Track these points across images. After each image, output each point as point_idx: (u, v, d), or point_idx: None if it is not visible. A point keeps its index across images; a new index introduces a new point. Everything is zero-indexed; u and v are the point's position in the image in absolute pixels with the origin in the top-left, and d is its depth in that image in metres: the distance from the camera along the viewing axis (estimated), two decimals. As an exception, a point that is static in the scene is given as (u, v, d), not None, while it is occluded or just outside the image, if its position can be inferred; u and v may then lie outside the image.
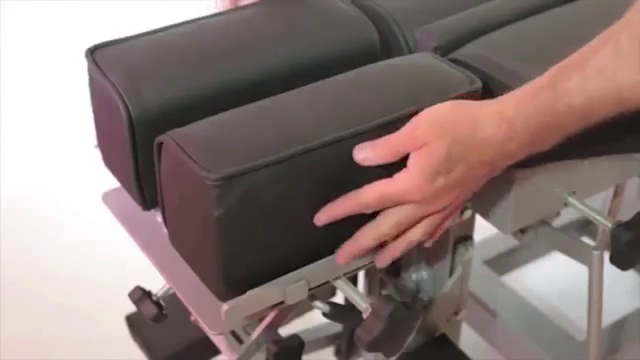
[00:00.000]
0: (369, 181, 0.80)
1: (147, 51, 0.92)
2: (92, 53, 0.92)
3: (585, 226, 1.73)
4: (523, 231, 1.10)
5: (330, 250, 0.84)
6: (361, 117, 0.81)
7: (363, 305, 0.83)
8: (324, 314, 0.90)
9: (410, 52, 0.99)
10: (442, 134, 0.77)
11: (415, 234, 0.82)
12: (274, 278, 0.82)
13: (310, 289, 0.85)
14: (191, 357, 1.49)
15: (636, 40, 0.74)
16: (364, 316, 0.82)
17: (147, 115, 0.85)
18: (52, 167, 2.24)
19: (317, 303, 0.89)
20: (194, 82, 0.88)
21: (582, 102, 0.76)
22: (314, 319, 1.29)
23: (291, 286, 0.83)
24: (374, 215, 0.82)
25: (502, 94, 0.89)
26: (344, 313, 0.91)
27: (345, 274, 0.87)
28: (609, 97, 0.75)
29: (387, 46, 1.00)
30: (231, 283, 0.81)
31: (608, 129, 0.95)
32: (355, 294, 0.85)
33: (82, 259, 1.92)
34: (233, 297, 0.81)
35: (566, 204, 1.01)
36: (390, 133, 0.81)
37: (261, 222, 0.78)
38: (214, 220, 0.76)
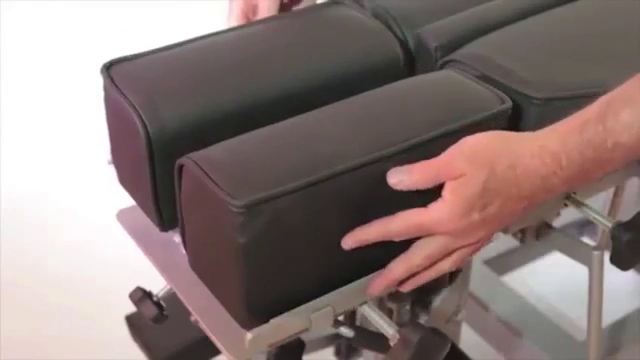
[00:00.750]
0: (398, 208, 0.78)
1: (164, 67, 0.89)
2: (108, 69, 0.88)
3: (585, 226, 1.73)
4: (523, 231, 1.10)
5: (355, 276, 0.82)
6: (389, 139, 0.79)
7: (390, 332, 0.81)
8: (349, 339, 0.89)
9: (410, 52, 0.99)
10: (480, 166, 0.75)
11: (445, 265, 0.80)
12: (299, 305, 0.79)
13: (335, 315, 0.82)
14: (191, 357, 1.49)
15: None
16: (391, 343, 0.81)
17: (165, 133, 0.83)
18: (52, 167, 2.24)
19: (342, 329, 0.88)
20: (213, 99, 0.86)
21: (631, 138, 0.73)
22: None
23: (316, 313, 0.80)
24: (401, 241, 0.80)
25: (502, 94, 0.89)
26: (370, 338, 0.89)
27: (371, 299, 0.85)
28: None
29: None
30: (255, 311, 0.78)
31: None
32: (382, 320, 0.83)
33: (82, 259, 1.92)
34: (256, 325, 0.78)
35: (566, 204, 1.01)
36: (420, 155, 0.78)
37: (287, 248, 0.76)
38: (238, 247, 0.74)
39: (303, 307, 0.80)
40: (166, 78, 0.87)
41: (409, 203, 0.78)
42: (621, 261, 0.98)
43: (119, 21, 2.81)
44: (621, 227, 0.97)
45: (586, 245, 1.13)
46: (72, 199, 2.11)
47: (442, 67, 0.97)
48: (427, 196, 0.77)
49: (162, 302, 1.03)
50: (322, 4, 1.03)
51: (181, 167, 0.79)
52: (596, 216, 1.00)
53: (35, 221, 2.06)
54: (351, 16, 0.99)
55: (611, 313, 1.40)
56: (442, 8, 1.03)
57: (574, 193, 1.00)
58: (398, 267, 0.80)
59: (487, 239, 0.80)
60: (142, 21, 2.79)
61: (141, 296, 1.02)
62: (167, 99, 0.84)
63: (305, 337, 1.05)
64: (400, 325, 0.82)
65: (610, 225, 0.98)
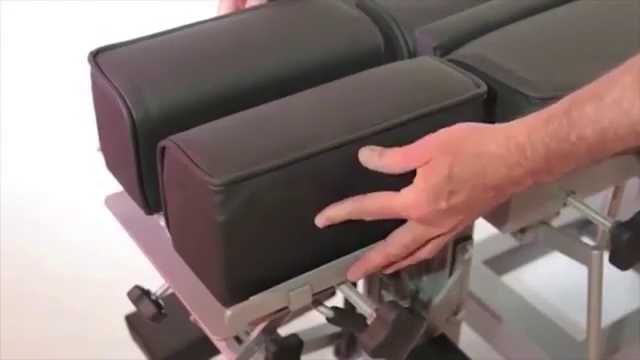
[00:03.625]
0: (372, 189, 0.80)
1: (149, 55, 0.92)
2: (95, 57, 0.91)
3: (585, 226, 1.73)
4: (523, 231, 1.11)
5: (334, 255, 0.84)
6: (364, 121, 0.81)
7: (368, 310, 0.83)
8: (328, 319, 0.90)
9: (410, 52, 1.00)
10: (446, 151, 0.77)
11: (422, 254, 0.83)
12: (278, 283, 0.82)
13: (314, 294, 0.84)
14: (191, 357, 1.49)
15: None
16: (368, 321, 0.82)
17: (150, 118, 0.85)
18: (53, 167, 2.24)
19: (321, 308, 0.89)
20: (196, 86, 0.88)
21: (595, 133, 0.74)
22: (314, 319, 1.29)
23: (295, 291, 0.82)
24: (378, 224, 0.82)
25: (502, 94, 0.89)
26: (348, 318, 0.90)
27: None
28: (623, 130, 0.73)
29: (387, 46, 1.00)
30: (234, 289, 0.80)
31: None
32: (360, 299, 0.85)
33: (83, 259, 1.92)
34: (236, 303, 0.80)
35: (566, 204, 1.01)
36: (394, 137, 0.80)
37: (265, 227, 0.78)
38: (217, 225, 0.76)
39: (281, 285, 0.82)
40: (151, 65, 0.90)
41: (385, 186, 0.80)
42: (620, 261, 0.99)
43: (119, 21, 2.81)
44: (621, 227, 0.97)
45: (585, 245, 1.13)
46: (73, 199, 2.11)
47: (442, 67, 0.97)
48: (403, 180, 0.79)
49: (160, 301, 1.03)
50: None
51: (163, 149, 0.82)
52: (595, 216, 1.00)
53: (36, 221, 2.06)
54: (335, 6, 1.00)
55: (611, 313, 1.40)
56: (442, 8, 1.03)
57: (574, 193, 1.01)
58: (376, 256, 0.83)
59: (458, 228, 0.82)
60: (142, 21, 2.79)
61: (139, 295, 1.03)
62: (152, 85, 0.87)
63: (305, 337, 1.05)
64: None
65: (609, 225, 0.98)
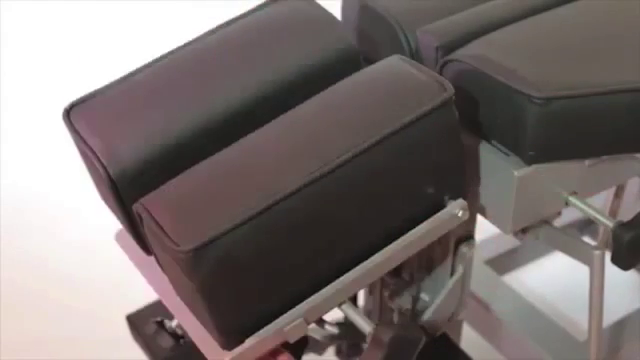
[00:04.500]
0: (344, 223, 0.81)
1: (118, 105, 0.92)
2: (68, 114, 0.92)
3: (586, 226, 1.73)
4: (524, 231, 1.10)
5: (327, 280, 0.84)
6: (329, 153, 0.80)
7: (367, 329, 0.83)
8: (333, 336, 0.90)
9: (412, 52, 0.99)
10: None
11: None
12: (272, 320, 0.82)
13: (309, 324, 0.84)
14: (192, 357, 1.49)
15: None
16: (367, 340, 0.82)
17: (127, 174, 0.86)
18: (53, 167, 2.24)
19: (327, 327, 0.89)
20: (168, 133, 0.88)
21: None
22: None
23: (290, 326, 0.83)
24: (362, 245, 0.82)
25: (503, 94, 0.89)
26: (352, 331, 0.91)
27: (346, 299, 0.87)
28: None
29: (390, 47, 1.00)
30: (228, 335, 0.82)
31: (609, 129, 0.95)
32: (359, 318, 0.85)
33: (83, 259, 1.92)
34: (235, 344, 0.82)
35: (567, 204, 1.01)
36: (362, 163, 0.80)
37: (243, 278, 0.79)
38: (195, 286, 0.77)
39: (274, 324, 0.82)
40: (120, 117, 0.90)
41: (355, 218, 0.81)
42: (622, 261, 0.99)
43: (119, 21, 2.81)
44: (622, 227, 0.97)
45: (587, 245, 1.12)
46: (73, 199, 2.11)
47: (443, 67, 0.97)
48: (371, 215, 0.81)
49: (178, 330, 1.04)
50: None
51: (137, 211, 0.83)
52: (597, 216, 1.00)
53: (36, 221, 2.06)
54: (302, 11, 0.97)
55: (612, 313, 1.40)
56: (443, 8, 1.03)
57: (575, 192, 1.00)
58: None
59: None
60: (142, 19, 2.79)
61: (156, 329, 1.04)
62: (124, 141, 0.87)
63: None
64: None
65: (611, 225, 0.98)
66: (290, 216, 0.78)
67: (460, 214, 0.91)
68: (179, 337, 1.04)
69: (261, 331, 0.82)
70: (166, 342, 1.03)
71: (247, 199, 0.77)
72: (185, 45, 0.98)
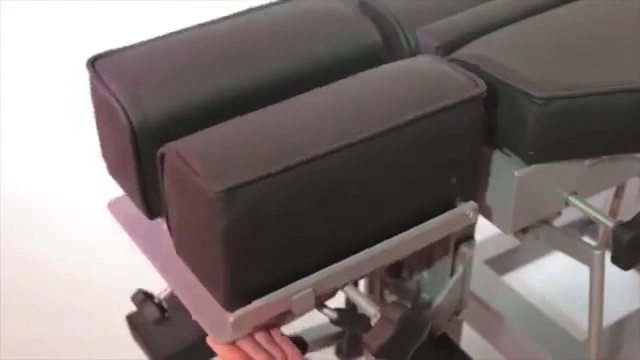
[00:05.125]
0: (369, 194, 0.81)
1: (148, 60, 0.92)
2: (93, 63, 0.91)
3: (586, 226, 1.73)
4: (524, 231, 1.10)
5: (337, 257, 0.84)
6: (361, 125, 0.81)
7: (372, 311, 0.83)
8: (332, 321, 0.90)
9: (412, 52, 0.99)
10: None
11: None
12: (280, 287, 0.81)
13: (317, 296, 0.84)
14: (191, 357, 1.49)
15: None
16: (372, 322, 0.82)
17: (148, 124, 0.85)
18: (53, 167, 2.24)
19: (325, 310, 0.89)
20: (195, 90, 0.88)
21: None
22: (314, 319, 1.28)
23: (298, 295, 0.82)
24: (380, 225, 0.82)
25: (504, 93, 0.89)
26: (352, 319, 0.90)
27: (352, 280, 0.87)
28: None
29: (389, 46, 1.00)
30: (236, 294, 0.80)
31: (609, 129, 0.95)
32: (363, 300, 0.85)
33: (83, 259, 1.92)
34: (239, 307, 0.80)
35: (567, 204, 1.01)
36: (391, 140, 0.81)
37: (265, 232, 0.78)
38: (218, 232, 0.76)
39: (284, 289, 0.81)
40: (150, 70, 0.90)
41: (380, 190, 0.81)
42: (622, 261, 0.99)
43: (119, 21, 2.80)
44: (622, 227, 0.97)
45: (587, 245, 1.12)
46: (73, 199, 2.11)
47: (443, 66, 0.97)
48: (400, 185, 0.80)
49: (164, 303, 1.03)
50: None
51: (162, 156, 0.81)
52: (597, 216, 1.00)
53: (36, 220, 2.06)
54: (333, 7, 1.00)
55: (612, 313, 1.40)
56: (443, 8, 1.03)
57: (575, 192, 1.00)
58: None
59: None
60: (143, 20, 2.78)
61: (143, 298, 1.02)
62: (150, 91, 0.87)
63: (305, 337, 1.05)
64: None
65: (611, 225, 0.98)
66: (320, 177, 0.79)
67: (471, 215, 0.92)
68: (164, 310, 1.03)
69: (269, 295, 0.81)
70: (151, 313, 1.02)
71: (280, 154, 0.78)
72: (215, 21, 0.99)
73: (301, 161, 0.77)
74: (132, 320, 1.53)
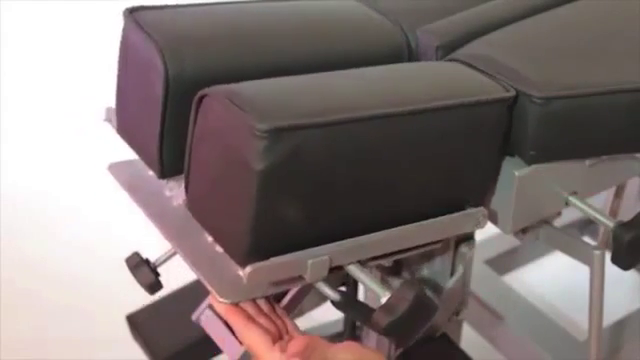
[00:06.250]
0: (408, 166, 0.83)
1: (188, 18, 0.92)
2: (131, 13, 0.91)
3: (586, 226, 1.73)
4: (524, 231, 1.10)
5: (358, 232, 0.84)
6: (404, 100, 0.83)
7: (383, 292, 0.82)
8: (333, 302, 0.89)
9: (412, 52, 0.99)
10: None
11: None
12: (297, 250, 0.81)
13: (331, 268, 0.83)
14: (191, 357, 1.49)
15: None
16: (382, 301, 0.81)
17: (184, 75, 0.85)
18: (53, 167, 2.24)
19: (328, 290, 0.88)
20: (234, 54, 0.89)
21: None
22: (314, 319, 1.28)
23: (314, 260, 0.81)
24: (408, 209, 0.84)
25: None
26: (354, 304, 0.90)
27: (368, 260, 0.87)
28: None
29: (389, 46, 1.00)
30: (256, 247, 0.79)
31: (609, 129, 0.95)
32: (373, 282, 0.84)
33: (83, 258, 1.92)
34: (254, 262, 0.79)
35: (567, 204, 1.01)
36: (429, 121, 0.83)
37: (299, 184, 0.78)
38: (255, 173, 0.75)
39: (302, 252, 0.81)
40: (190, 27, 0.91)
41: (415, 165, 0.83)
42: (622, 261, 0.99)
43: (119, 20, 2.81)
44: (622, 227, 0.97)
45: (587, 245, 1.12)
46: (73, 198, 2.11)
47: (443, 66, 0.97)
48: (432, 167, 0.83)
49: (158, 270, 1.02)
50: None
51: (201, 98, 0.81)
52: (597, 215, 1.00)
53: (36, 220, 2.06)
54: (360, 10, 1.03)
55: (612, 313, 1.40)
56: (443, 8, 1.03)
57: (576, 192, 1.00)
58: None
59: None
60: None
61: (138, 262, 1.01)
62: (190, 43, 0.87)
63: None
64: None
65: (611, 225, 0.98)
66: (362, 139, 0.80)
67: (480, 219, 0.92)
68: (158, 275, 1.01)
69: (286, 255, 0.80)
70: (145, 278, 1.01)
71: (326, 108, 0.78)
72: (251, 1, 1.00)
73: (347, 119, 0.78)
74: (132, 320, 1.53)
